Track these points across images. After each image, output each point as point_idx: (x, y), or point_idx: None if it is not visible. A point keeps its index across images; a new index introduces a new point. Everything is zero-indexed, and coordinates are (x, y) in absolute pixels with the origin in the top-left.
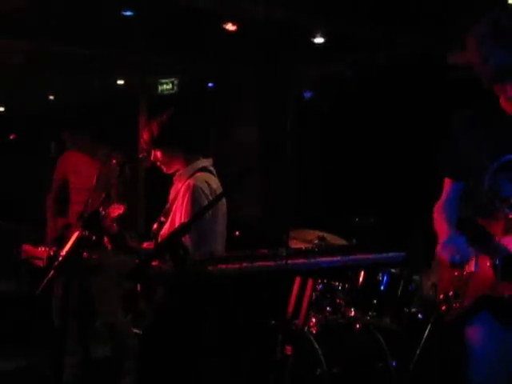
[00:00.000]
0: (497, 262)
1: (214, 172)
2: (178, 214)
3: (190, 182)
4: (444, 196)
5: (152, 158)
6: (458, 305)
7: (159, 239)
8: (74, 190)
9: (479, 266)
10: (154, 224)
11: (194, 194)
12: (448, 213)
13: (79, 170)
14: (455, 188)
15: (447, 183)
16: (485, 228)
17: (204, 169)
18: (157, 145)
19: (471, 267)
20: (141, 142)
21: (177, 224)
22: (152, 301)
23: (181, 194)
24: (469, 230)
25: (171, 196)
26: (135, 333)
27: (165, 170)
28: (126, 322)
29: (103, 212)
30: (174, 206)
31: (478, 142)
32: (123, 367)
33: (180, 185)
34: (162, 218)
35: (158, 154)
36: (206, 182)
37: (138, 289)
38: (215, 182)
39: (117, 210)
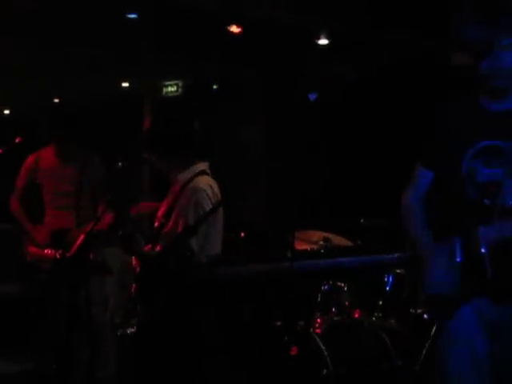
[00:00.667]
0: (482, 251)
1: (211, 175)
2: (182, 216)
3: (195, 185)
4: (412, 187)
5: (150, 161)
6: None
7: (160, 240)
8: (51, 194)
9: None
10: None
11: (200, 196)
12: (419, 217)
13: (55, 173)
14: (427, 175)
15: (419, 170)
16: (458, 219)
17: (203, 172)
18: (155, 148)
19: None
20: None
21: (181, 226)
22: (150, 301)
23: (185, 196)
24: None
25: (169, 198)
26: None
27: (165, 172)
28: (111, 325)
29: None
30: (177, 208)
31: (456, 131)
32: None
33: (178, 187)
34: (163, 220)
35: (155, 158)
36: (210, 185)
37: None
38: (216, 186)
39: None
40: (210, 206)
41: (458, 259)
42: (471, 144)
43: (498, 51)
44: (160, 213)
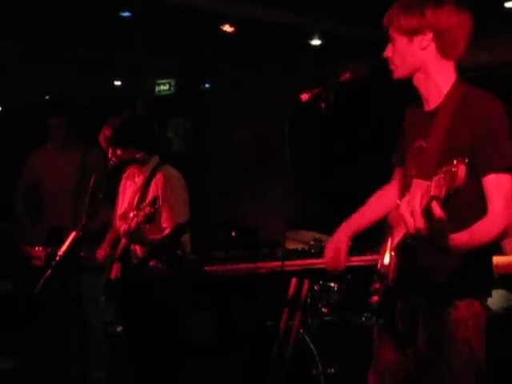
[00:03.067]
0: (392, 254)
1: None
2: (163, 204)
3: (168, 173)
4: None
5: (111, 155)
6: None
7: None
8: (51, 191)
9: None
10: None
11: (175, 183)
12: (370, 202)
13: (54, 170)
14: (397, 174)
15: (394, 170)
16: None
17: (163, 163)
18: (119, 143)
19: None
20: (100, 138)
21: (165, 213)
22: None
23: (158, 184)
24: None
25: (128, 191)
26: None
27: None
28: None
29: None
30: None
31: (406, 132)
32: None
33: (137, 180)
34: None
35: (118, 151)
36: (176, 172)
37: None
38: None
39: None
40: (184, 191)
41: (386, 262)
42: (410, 145)
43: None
44: (124, 208)
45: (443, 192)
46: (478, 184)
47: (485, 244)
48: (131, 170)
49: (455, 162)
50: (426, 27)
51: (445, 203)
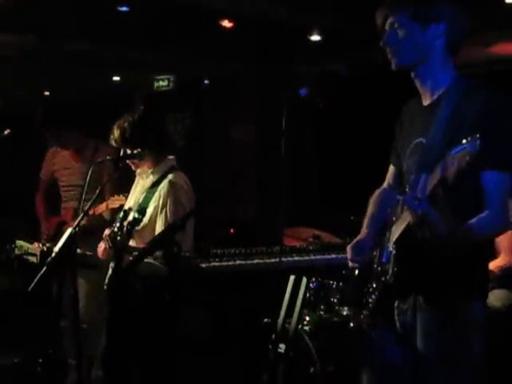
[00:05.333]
0: (390, 249)
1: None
2: (161, 211)
3: (173, 180)
4: (385, 182)
5: (122, 155)
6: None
7: (136, 235)
8: (63, 187)
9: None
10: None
11: (178, 192)
12: (375, 206)
13: (67, 167)
14: (392, 173)
15: (390, 168)
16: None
17: (175, 167)
18: (128, 143)
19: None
20: (110, 138)
21: (161, 221)
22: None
23: (161, 191)
24: None
25: (137, 192)
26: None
27: (134, 167)
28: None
29: (92, 210)
30: (154, 204)
31: (404, 130)
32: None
33: (150, 182)
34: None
35: (129, 151)
36: (185, 181)
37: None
38: (188, 181)
39: (118, 201)
40: (188, 201)
41: (384, 259)
42: (408, 141)
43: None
44: (127, 207)
45: (454, 170)
46: (475, 178)
47: (484, 239)
48: (144, 168)
49: (464, 141)
50: (445, 17)
51: (452, 186)
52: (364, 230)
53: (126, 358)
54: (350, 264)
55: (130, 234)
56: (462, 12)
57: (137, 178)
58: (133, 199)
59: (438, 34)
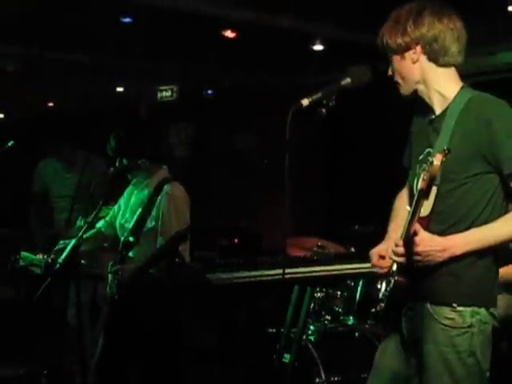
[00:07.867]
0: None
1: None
2: (164, 222)
3: (172, 192)
4: (407, 184)
5: (118, 165)
6: None
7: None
8: (55, 199)
9: None
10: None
11: (178, 203)
12: (397, 210)
13: (58, 178)
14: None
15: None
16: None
17: (169, 178)
18: (124, 153)
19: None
20: (107, 148)
21: (164, 233)
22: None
23: (161, 203)
24: None
25: (132, 199)
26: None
27: (129, 176)
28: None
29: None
30: (151, 214)
31: (413, 140)
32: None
33: (146, 192)
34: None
35: (125, 161)
36: (183, 192)
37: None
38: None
39: None
40: (187, 211)
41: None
42: (416, 152)
43: None
44: (123, 220)
45: (425, 183)
46: (482, 183)
47: (504, 242)
48: (138, 178)
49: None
50: (412, 42)
51: (427, 194)
52: (388, 235)
53: (122, 368)
54: (374, 270)
55: (124, 258)
56: (432, 23)
57: (131, 187)
58: (128, 212)
59: (416, 57)
